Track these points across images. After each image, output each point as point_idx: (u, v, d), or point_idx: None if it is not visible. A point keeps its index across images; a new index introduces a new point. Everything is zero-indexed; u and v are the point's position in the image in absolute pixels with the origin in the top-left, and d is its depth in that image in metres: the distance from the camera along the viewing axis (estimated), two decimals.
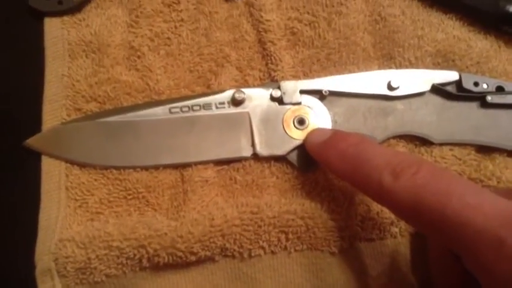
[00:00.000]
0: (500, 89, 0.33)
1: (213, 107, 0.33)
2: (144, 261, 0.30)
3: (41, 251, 0.31)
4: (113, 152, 0.33)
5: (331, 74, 0.35)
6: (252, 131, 0.33)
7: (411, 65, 0.35)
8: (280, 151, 0.33)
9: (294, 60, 0.36)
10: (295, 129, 0.33)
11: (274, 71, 0.35)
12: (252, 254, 0.31)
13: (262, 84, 0.35)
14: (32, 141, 0.33)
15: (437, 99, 0.34)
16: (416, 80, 0.33)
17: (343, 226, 0.31)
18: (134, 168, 0.33)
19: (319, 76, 0.35)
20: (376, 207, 0.31)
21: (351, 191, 0.32)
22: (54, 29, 0.37)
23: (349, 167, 0.28)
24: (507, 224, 0.21)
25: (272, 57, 0.35)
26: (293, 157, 0.33)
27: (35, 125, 0.34)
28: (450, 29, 0.36)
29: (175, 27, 0.36)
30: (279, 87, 0.33)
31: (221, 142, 0.33)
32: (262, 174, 0.33)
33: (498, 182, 0.32)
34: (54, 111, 0.34)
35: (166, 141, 0.33)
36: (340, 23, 0.36)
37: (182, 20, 0.36)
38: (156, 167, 0.33)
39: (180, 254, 0.30)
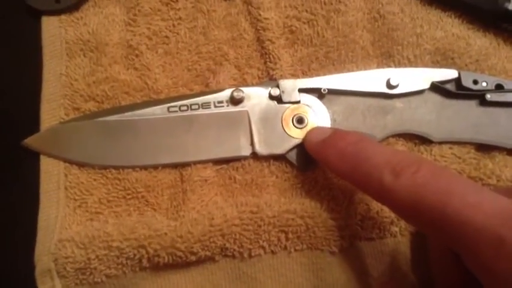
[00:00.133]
0: (499, 87, 0.33)
1: (212, 106, 0.33)
2: (144, 261, 0.30)
3: (40, 252, 0.31)
4: (111, 152, 0.33)
5: (330, 72, 0.35)
6: (251, 130, 0.33)
7: (410, 63, 0.35)
8: (280, 150, 0.33)
9: (293, 59, 0.36)
10: (294, 128, 0.33)
11: (273, 69, 0.35)
12: (252, 254, 0.31)
13: (260, 83, 0.35)
14: (30, 141, 0.33)
15: (436, 98, 0.34)
16: (415, 78, 0.33)
17: (343, 225, 0.31)
18: (133, 167, 0.33)
19: (318, 74, 0.35)
20: (375, 206, 0.31)
21: (351, 190, 0.32)
22: (51, 27, 0.36)
23: (348, 165, 0.28)
24: (507, 222, 0.21)
25: (271, 56, 0.35)
26: (292, 156, 0.33)
27: (33, 124, 0.34)
28: (449, 27, 0.36)
29: (173, 25, 0.36)
30: (277, 86, 0.33)
31: (220, 141, 0.33)
32: (261, 173, 0.33)
33: (498, 181, 0.32)
34: (52, 110, 0.34)
35: (165, 140, 0.33)
36: (338, 21, 0.36)
37: (180, 18, 0.36)
38: (155, 167, 0.33)
39: (180, 254, 0.30)
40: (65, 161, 0.33)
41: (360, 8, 0.36)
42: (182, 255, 0.30)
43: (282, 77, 0.34)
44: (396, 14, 0.36)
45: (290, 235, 0.31)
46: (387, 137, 0.33)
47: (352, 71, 0.35)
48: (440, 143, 0.33)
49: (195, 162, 0.33)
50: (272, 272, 0.31)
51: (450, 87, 0.34)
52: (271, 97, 0.33)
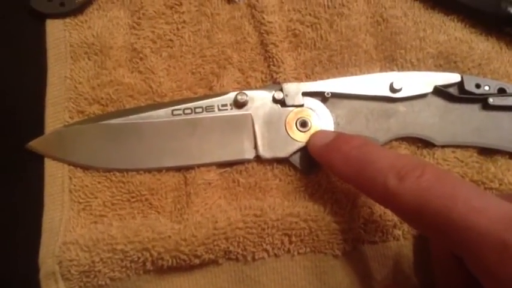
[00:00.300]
0: (502, 91, 0.33)
1: (216, 109, 0.33)
2: (148, 264, 0.30)
3: (44, 254, 0.31)
4: (115, 155, 0.33)
5: (333, 76, 0.35)
6: (254, 133, 0.33)
7: (413, 66, 0.35)
8: (283, 153, 0.33)
9: (296, 62, 0.36)
10: (298, 131, 0.33)
11: (276, 73, 0.35)
12: (256, 257, 0.31)
13: (264, 86, 0.35)
14: (35, 144, 0.33)
15: (439, 101, 0.34)
16: (418, 82, 0.33)
17: (346, 229, 0.31)
18: (137, 170, 0.33)
19: (321, 78, 0.35)
20: (378, 209, 0.31)
21: (354, 193, 0.32)
22: (56, 30, 0.36)
23: (352, 169, 0.28)
24: (511, 228, 0.21)
25: (274, 59, 0.35)
26: (296, 159, 0.33)
27: (38, 127, 0.34)
28: (452, 31, 0.36)
29: (178, 29, 0.36)
30: (281, 89, 0.33)
31: (224, 144, 0.33)
32: (265, 176, 0.33)
33: (500, 184, 0.32)
34: (56, 113, 0.34)
35: (169, 143, 0.33)
36: (342, 24, 0.36)
37: (184, 21, 0.36)
38: (159, 170, 0.33)
39: (183, 257, 0.30)
40: (70, 164, 0.33)
41: (363, 11, 0.37)
42: (186, 258, 0.30)
43: (286, 80, 0.35)
44: (399, 17, 0.36)
45: (293, 238, 0.31)
46: (390, 141, 0.34)
47: (356, 74, 0.35)
48: (443, 146, 0.33)
49: (199, 165, 0.33)
50: (275, 275, 0.31)
51: (453, 91, 0.34)
52: (274, 100, 0.33)
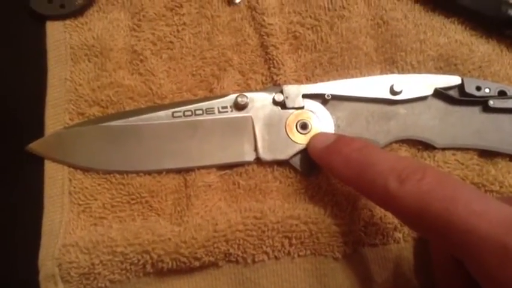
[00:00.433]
0: (502, 94, 0.34)
1: (216, 111, 0.33)
2: (148, 266, 0.30)
3: (44, 256, 0.31)
4: (115, 157, 0.33)
5: (334, 78, 0.35)
6: (254, 135, 0.33)
7: (413, 69, 0.35)
8: (283, 155, 0.33)
9: (296, 64, 0.36)
10: (298, 133, 0.33)
11: (277, 75, 0.35)
12: (256, 260, 0.31)
13: (264, 89, 0.35)
14: (35, 146, 0.33)
15: (439, 104, 0.34)
16: (418, 84, 0.33)
17: (347, 231, 0.31)
18: (137, 172, 0.33)
19: (321, 80, 0.35)
20: (379, 212, 0.31)
21: (354, 196, 0.32)
22: (56, 32, 0.36)
23: (353, 172, 0.28)
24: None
25: (274, 61, 0.35)
26: (296, 161, 0.33)
27: (38, 129, 0.34)
28: (452, 33, 0.36)
29: (178, 31, 0.36)
30: (281, 92, 0.33)
31: (224, 146, 0.33)
32: (265, 178, 0.33)
33: (500, 187, 0.32)
34: (56, 115, 0.34)
35: (169, 145, 0.33)
36: (342, 27, 0.36)
37: (184, 23, 0.36)
38: (159, 172, 0.33)
39: (183, 259, 0.30)
40: (69, 165, 0.33)
41: (363, 14, 0.37)
42: (186, 261, 0.30)
43: (286, 82, 0.35)
44: (400, 20, 0.36)
45: (294, 241, 0.31)
46: (390, 143, 0.34)
47: (356, 76, 0.35)
48: (444, 149, 0.33)
49: (199, 168, 0.33)
50: (275, 278, 0.31)
51: (453, 93, 0.34)
52: (275, 103, 0.33)
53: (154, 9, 0.36)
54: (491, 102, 0.33)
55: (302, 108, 0.33)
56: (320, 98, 0.33)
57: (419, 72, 0.35)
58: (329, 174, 0.32)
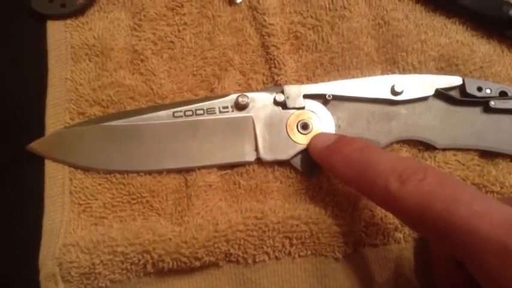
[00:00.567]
0: (503, 94, 0.34)
1: (217, 111, 0.33)
2: (149, 266, 0.30)
3: (45, 256, 0.31)
4: (116, 156, 0.33)
5: (335, 78, 0.35)
6: (255, 135, 0.33)
7: (414, 69, 0.35)
8: (284, 156, 0.33)
9: (297, 65, 0.36)
10: (299, 133, 0.33)
11: (278, 75, 0.35)
12: (256, 260, 0.31)
13: (265, 89, 0.35)
14: (35, 145, 0.33)
15: (440, 104, 0.34)
16: (419, 84, 0.33)
17: (347, 231, 0.31)
18: (138, 172, 0.33)
19: (322, 80, 0.35)
20: (380, 212, 0.31)
21: (355, 196, 0.32)
22: (57, 32, 0.36)
23: (354, 172, 0.28)
24: None
25: (275, 61, 0.35)
26: (297, 162, 0.33)
27: (38, 128, 0.34)
28: (453, 34, 0.36)
29: (179, 30, 0.36)
30: (282, 92, 0.33)
31: (225, 146, 0.33)
32: (266, 178, 0.33)
33: (501, 188, 0.32)
34: (57, 115, 0.34)
35: (169, 145, 0.33)
36: (343, 27, 0.36)
37: (185, 23, 0.36)
38: (160, 172, 0.33)
39: (184, 259, 0.30)
40: (70, 165, 0.33)
41: (364, 14, 0.37)
42: (186, 261, 0.30)
43: (287, 82, 0.35)
44: (401, 20, 0.36)
45: (294, 241, 0.31)
46: (391, 143, 0.34)
47: (357, 77, 0.35)
48: (444, 149, 0.33)
49: (200, 168, 0.33)
50: (276, 278, 0.31)
51: (454, 94, 0.34)
52: (276, 103, 0.33)
53: (155, 9, 0.36)
54: (492, 103, 0.33)
55: (303, 108, 0.33)
56: (321, 98, 0.33)
57: (421, 72, 0.35)
58: (330, 174, 0.32)
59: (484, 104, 0.33)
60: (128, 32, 0.36)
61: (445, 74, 0.35)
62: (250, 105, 0.33)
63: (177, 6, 0.37)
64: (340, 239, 0.31)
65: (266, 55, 0.36)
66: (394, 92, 0.33)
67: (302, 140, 0.33)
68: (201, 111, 0.33)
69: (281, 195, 0.33)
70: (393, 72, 0.35)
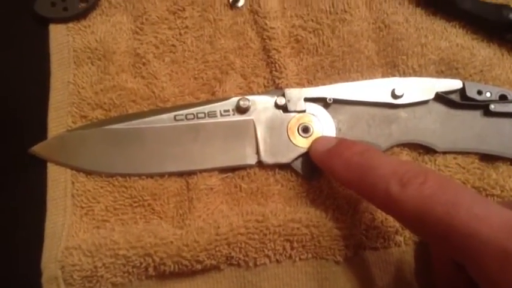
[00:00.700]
0: (503, 98, 0.34)
1: (218, 115, 0.33)
2: (150, 269, 0.30)
3: (47, 259, 0.31)
4: (118, 160, 0.33)
5: (335, 81, 0.35)
6: (256, 138, 0.33)
7: (415, 72, 0.35)
8: (285, 159, 0.33)
9: (298, 68, 0.36)
10: (300, 137, 0.33)
11: (279, 78, 0.35)
12: (257, 263, 0.31)
13: (266, 92, 0.35)
14: (38, 149, 0.33)
15: (441, 108, 0.34)
16: (420, 88, 0.34)
17: (348, 235, 0.31)
18: (139, 175, 0.33)
19: (323, 84, 0.35)
20: (380, 215, 0.31)
21: (355, 200, 0.32)
22: (59, 35, 0.37)
23: (354, 175, 0.28)
24: None
25: (276, 65, 0.35)
26: (297, 165, 0.33)
27: (41, 132, 0.34)
28: (453, 37, 0.36)
29: (180, 34, 0.36)
30: (283, 95, 0.33)
31: (226, 150, 0.33)
32: (267, 182, 0.33)
33: (502, 191, 0.32)
34: (59, 118, 0.34)
35: (171, 148, 0.33)
36: (344, 30, 0.36)
37: (187, 27, 0.37)
38: (162, 175, 0.33)
39: (185, 262, 0.30)
40: (72, 168, 0.33)
41: (365, 17, 0.37)
42: (188, 264, 0.30)
43: (288, 86, 0.35)
44: (401, 24, 0.36)
45: (295, 244, 0.31)
46: (392, 147, 0.34)
47: (357, 80, 0.35)
48: (445, 153, 0.34)
49: (201, 171, 0.33)
50: (277, 281, 0.31)
51: (454, 97, 0.34)
52: (277, 106, 0.33)
53: (157, 13, 0.37)
54: (492, 107, 0.33)
55: (304, 111, 0.33)
56: (322, 101, 0.34)
57: (421, 76, 0.35)
58: (330, 177, 0.33)
59: (484, 108, 0.34)
60: (129, 36, 0.37)
61: (445, 77, 0.35)
62: (252, 109, 0.33)
63: (178, 9, 0.37)
64: (341, 242, 0.31)
65: (267, 58, 0.36)
66: (394, 96, 0.33)
67: (303, 143, 0.33)
68: (203, 115, 0.33)
69: (282, 199, 0.33)
70: (393, 76, 0.35)
